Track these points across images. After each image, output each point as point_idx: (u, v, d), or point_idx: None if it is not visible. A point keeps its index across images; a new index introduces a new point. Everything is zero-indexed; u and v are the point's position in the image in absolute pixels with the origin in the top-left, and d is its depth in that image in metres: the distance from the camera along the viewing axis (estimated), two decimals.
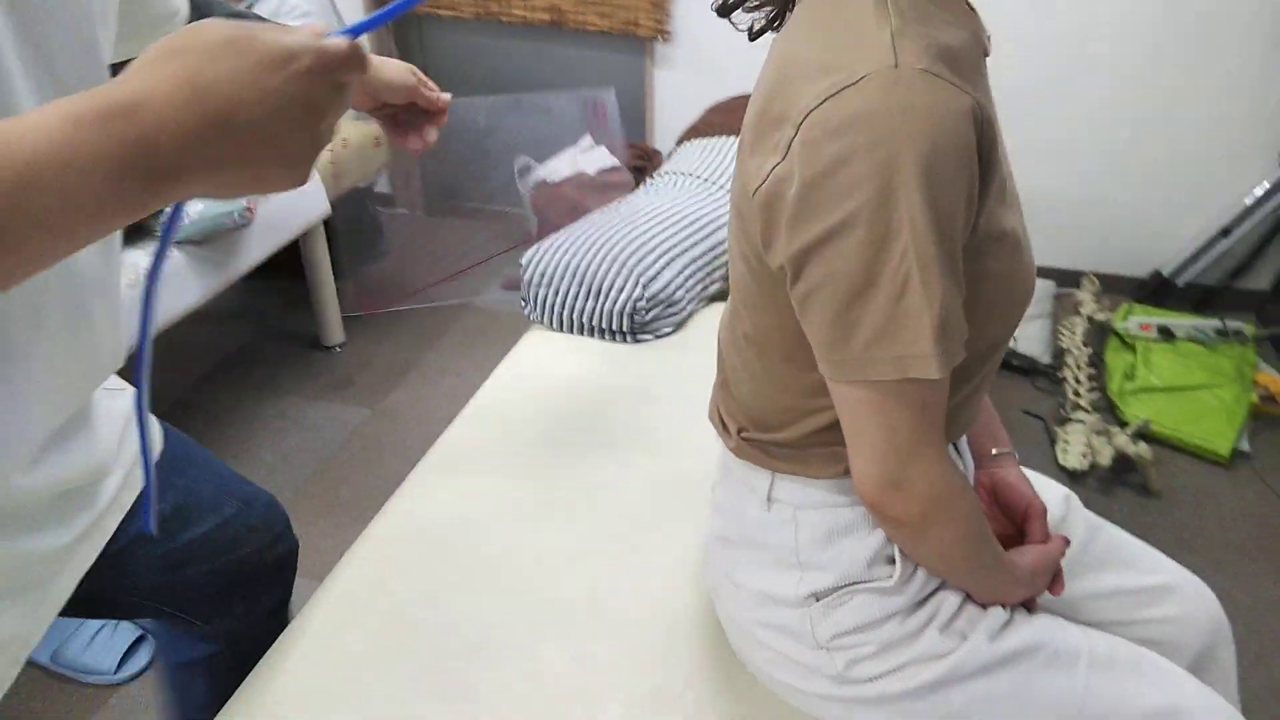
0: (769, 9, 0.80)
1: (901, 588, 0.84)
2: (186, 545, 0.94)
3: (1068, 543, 0.94)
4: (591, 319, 1.60)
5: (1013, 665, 0.84)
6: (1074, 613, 0.99)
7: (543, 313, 1.65)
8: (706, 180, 1.92)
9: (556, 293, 1.63)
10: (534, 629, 1.06)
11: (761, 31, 0.83)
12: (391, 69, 1.03)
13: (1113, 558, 1.02)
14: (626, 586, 1.12)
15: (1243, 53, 2.49)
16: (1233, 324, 2.46)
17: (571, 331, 1.64)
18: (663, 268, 1.63)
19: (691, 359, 1.54)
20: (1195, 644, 1.01)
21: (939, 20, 0.70)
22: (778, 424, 0.86)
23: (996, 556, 0.83)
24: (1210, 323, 2.46)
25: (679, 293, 1.65)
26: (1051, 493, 1.05)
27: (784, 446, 0.86)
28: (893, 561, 0.85)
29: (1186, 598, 1.01)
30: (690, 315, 1.70)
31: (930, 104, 0.62)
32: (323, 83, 0.49)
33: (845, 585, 0.85)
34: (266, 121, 0.47)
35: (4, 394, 0.62)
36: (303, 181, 0.51)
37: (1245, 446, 2.19)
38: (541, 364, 1.58)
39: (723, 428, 0.94)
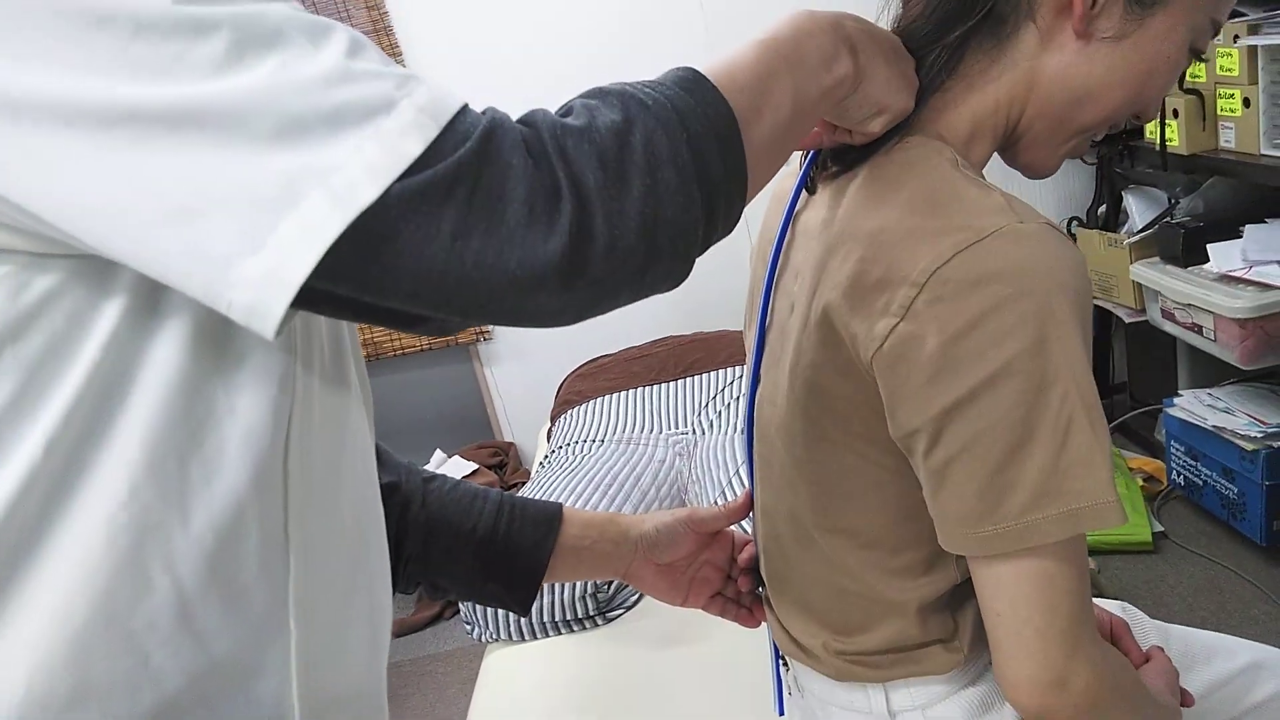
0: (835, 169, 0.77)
1: None
2: None
3: (1162, 650, 0.90)
4: (552, 614, 1.46)
5: None
6: None
7: (496, 627, 1.49)
8: (605, 441, 1.90)
9: None
10: None
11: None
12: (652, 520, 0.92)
13: (1191, 653, 0.99)
14: None
15: None
16: None
17: (535, 637, 1.49)
18: None
19: (681, 612, 1.42)
20: None
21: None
22: (860, 625, 0.78)
23: (1152, 701, 0.76)
24: None
25: None
26: (1108, 605, 1.02)
27: (887, 652, 0.77)
28: None
29: (1277, 670, 0.98)
30: None
31: (1066, 255, 0.64)
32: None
33: None
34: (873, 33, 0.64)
35: None
36: (910, 105, 0.68)
37: (1158, 527, 2.30)
38: (519, 685, 1.39)
39: (802, 653, 0.84)
